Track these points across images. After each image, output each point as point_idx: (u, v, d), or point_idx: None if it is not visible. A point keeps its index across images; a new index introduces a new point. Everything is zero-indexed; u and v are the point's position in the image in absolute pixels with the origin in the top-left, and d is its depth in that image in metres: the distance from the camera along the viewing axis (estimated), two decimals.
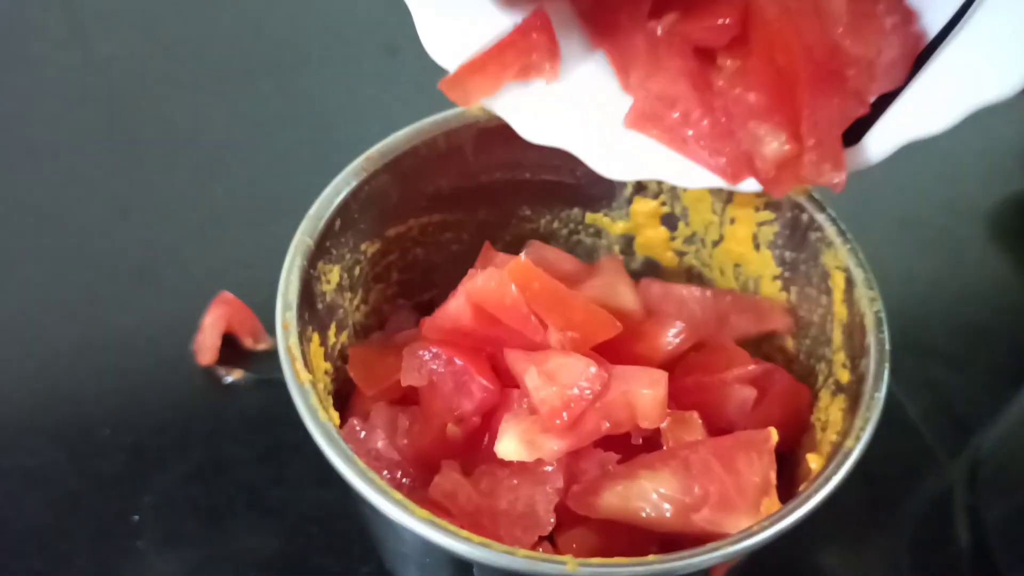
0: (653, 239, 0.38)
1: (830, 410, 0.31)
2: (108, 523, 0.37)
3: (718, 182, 0.31)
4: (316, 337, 0.31)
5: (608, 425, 0.28)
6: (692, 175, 0.32)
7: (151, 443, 0.40)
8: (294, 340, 0.27)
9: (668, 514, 0.27)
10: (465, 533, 0.23)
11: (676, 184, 0.32)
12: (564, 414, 0.27)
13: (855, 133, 0.30)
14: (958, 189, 0.54)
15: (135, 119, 0.54)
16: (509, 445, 0.28)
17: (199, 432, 0.40)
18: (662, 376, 0.28)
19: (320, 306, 0.31)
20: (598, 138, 0.32)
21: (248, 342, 0.43)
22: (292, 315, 0.28)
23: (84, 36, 0.58)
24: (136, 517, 0.37)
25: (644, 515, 0.27)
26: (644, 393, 0.28)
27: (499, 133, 0.33)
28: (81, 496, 0.38)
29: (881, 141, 0.29)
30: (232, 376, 0.42)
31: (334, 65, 0.58)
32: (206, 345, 0.42)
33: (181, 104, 0.54)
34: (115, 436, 0.40)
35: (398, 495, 0.24)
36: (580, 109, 0.32)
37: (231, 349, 0.43)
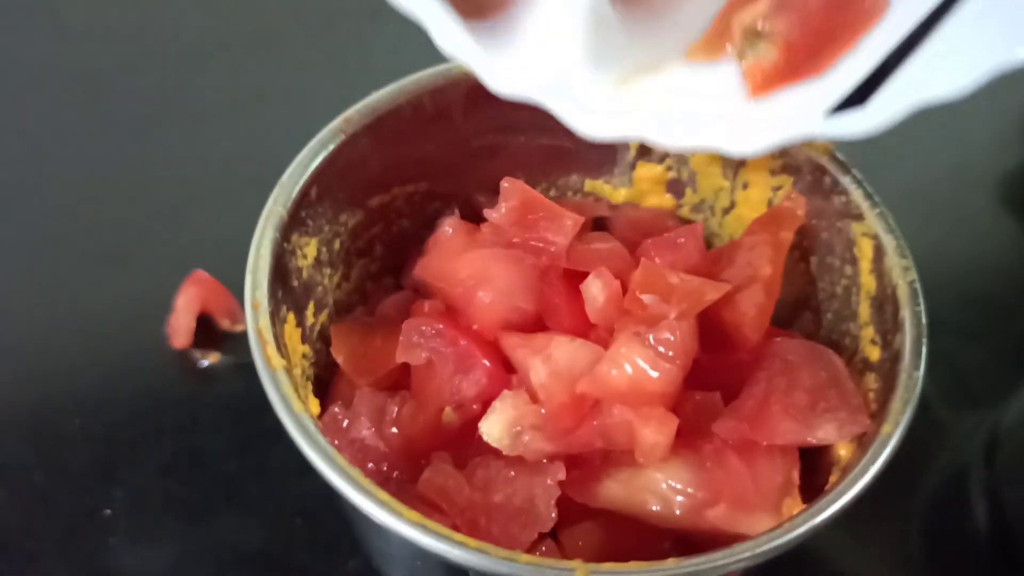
0: (658, 207, 0.35)
1: (859, 390, 0.28)
2: (78, 520, 0.35)
3: (711, 142, 0.28)
4: (291, 317, 0.28)
5: (601, 444, 0.26)
6: (680, 134, 0.29)
7: (123, 434, 0.38)
8: (265, 321, 0.24)
9: (678, 510, 0.25)
10: (460, 537, 0.21)
11: (662, 144, 0.29)
12: (568, 417, 0.25)
13: (861, 93, 0.27)
14: (966, 157, 0.51)
15: (106, 92, 0.51)
16: (494, 428, 0.25)
17: (174, 421, 0.38)
18: (671, 422, 0.26)
19: (296, 283, 0.28)
20: (575, 91, 0.29)
21: (225, 323, 0.41)
22: (263, 293, 0.25)
23: (54, 7, 0.55)
24: (107, 512, 0.35)
25: (651, 508, 0.25)
26: (647, 434, 0.25)
27: (490, 92, 0.30)
28: (48, 491, 0.36)
29: (891, 103, 0.26)
30: (208, 360, 0.40)
31: (314, 33, 0.55)
32: (180, 327, 0.40)
33: (155, 76, 0.51)
34: (84, 427, 0.38)
35: (384, 494, 0.22)
36: (554, 59, 0.28)
37: (207, 331, 0.40)
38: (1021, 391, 0.41)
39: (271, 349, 0.24)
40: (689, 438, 0.26)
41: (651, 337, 0.25)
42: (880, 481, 0.37)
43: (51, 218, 0.45)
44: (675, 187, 0.35)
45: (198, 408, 0.39)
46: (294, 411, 0.23)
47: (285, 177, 0.28)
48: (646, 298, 0.25)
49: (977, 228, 0.49)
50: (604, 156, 0.34)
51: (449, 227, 0.30)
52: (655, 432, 0.25)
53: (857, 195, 0.29)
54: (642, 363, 0.25)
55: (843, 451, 0.26)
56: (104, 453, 0.37)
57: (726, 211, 0.34)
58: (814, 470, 0.28)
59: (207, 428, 0.38)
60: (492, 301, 0.28)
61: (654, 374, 0.25)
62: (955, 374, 0.42)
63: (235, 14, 0.56)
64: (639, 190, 0.35)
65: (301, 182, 0.28)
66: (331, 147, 0.29)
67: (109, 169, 0.47)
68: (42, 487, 0.36)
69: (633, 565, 0.21)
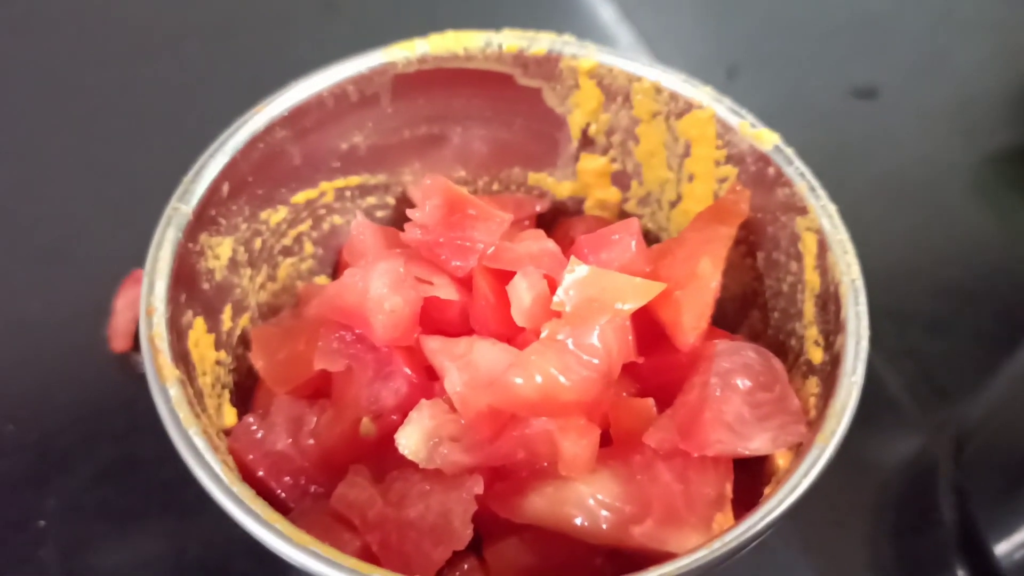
0: (604, 201, 0.34)
1: (801, 395, 0.27)
2: (7, 530, 0.34)
3: None
4: (200, 323, 0.26)
5: (523, 455, 0.24)
6: None
7: (58, 440, 0.36)
8: (159, 329, 0.23)
9: (604, 525, 0.23)
10: (353, 562, 0.19)
11: None
12: (486, 427, 0.23)
13: None
14: (937, 144, 0.50)
15: (46, 83, 0.49)
16: (411, 439, 0.24)
17: (111, 427, 0.37)
18: (592, 433, 0.24)
19: (207, 286, 0.27)
20: None
21: None
22: (159, 298, 0.23)
23: None
24: (41, 523, 0.34)
25: (576, 524, 0.24)
26: (566, 445, 0.24)
27: (419, 79, 0.28)
28: None
29: None
30: None
31: (267, 24, 0.53)
32: (120, 330, 0.38)
33: (98, 67, 0.50)
34: (18, 433, 0.37)
35: (276, 517, 0.20)
36: None
37: None
38: (988, 385, 0.40)
39: (163, 359, 0.23)
40: (620, 448, 0.25)
41: (570, 341, 0.23)
42: (848, 481, 0.36)
43: None
44: (620, 179, 0.33)
45: (137, 413, 0.37)
46: (182, 426, 0.21)
47: (189, 174, 0.26)
48: (571, 299, 0.24)
49: (947, 217, 0.47)
50: (546, 147, 0.33)
51: (356, 230, 0.28)
52: (574, 444, 0.23)
53: (801, 187, 0.28)
54: (553, 371, 0.23)
55: (781, 460, 0.24)
56: (37, 460, 0.36)
57: (672, 204, 0.33)
58: (755, 479, 0.26)
59: (145, 433, 0.36)
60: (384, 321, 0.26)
61: (565, 382, 0.23)
62: (924, 367, 0.41)
63: (185, 5, 0.54)
64: (583, 183, 0.34)
65: (209, 178, 0.27)
66: (242, 140, 0.28)
67: (47, 164, 0.45)
68: None
69: None
